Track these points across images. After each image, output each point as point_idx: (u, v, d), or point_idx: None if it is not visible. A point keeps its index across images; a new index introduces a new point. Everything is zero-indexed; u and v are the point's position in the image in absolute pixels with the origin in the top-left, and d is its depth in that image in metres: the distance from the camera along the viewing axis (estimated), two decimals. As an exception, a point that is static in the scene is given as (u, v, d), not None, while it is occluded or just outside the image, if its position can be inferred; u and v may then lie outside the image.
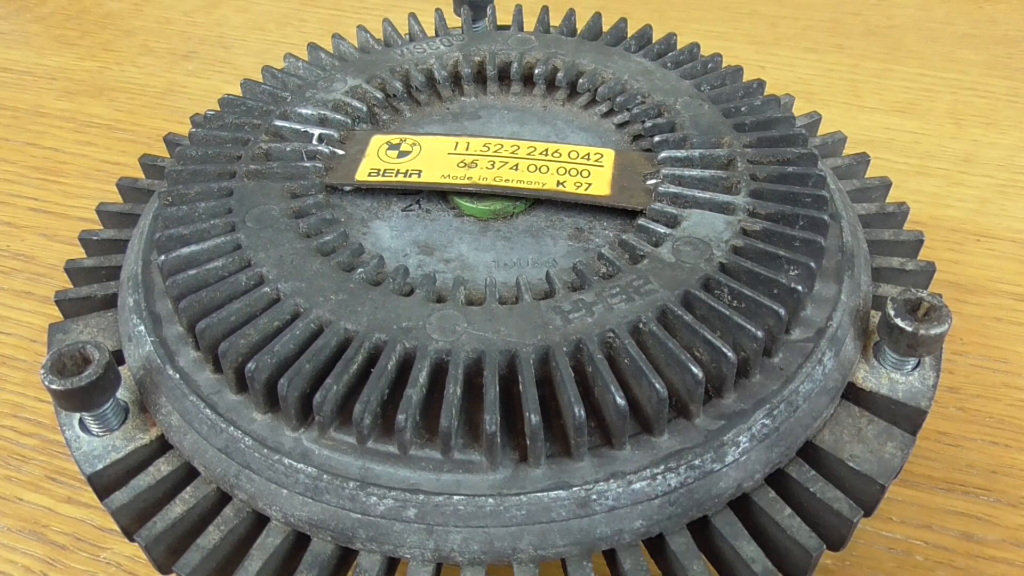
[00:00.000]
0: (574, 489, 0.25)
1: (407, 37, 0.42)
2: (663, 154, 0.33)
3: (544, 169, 0.33)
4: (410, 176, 0.33)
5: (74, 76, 0.60)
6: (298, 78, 0.38)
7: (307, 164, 0.33)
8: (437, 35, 0.42)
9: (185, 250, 0.29)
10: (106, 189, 0.49)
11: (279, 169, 0.33)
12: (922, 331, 0.27)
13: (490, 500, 0.25)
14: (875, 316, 0.30)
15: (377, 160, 0.34)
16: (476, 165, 0.33)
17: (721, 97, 0.36)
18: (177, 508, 0.27)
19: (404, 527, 0.25)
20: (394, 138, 0.35)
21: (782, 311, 0.27)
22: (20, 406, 0.38)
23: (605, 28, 0.42)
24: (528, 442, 0.25)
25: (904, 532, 0.33)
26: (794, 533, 0.26)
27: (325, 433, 0.26)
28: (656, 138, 0.34)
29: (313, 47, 0.40)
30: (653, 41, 0.41)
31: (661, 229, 0.30)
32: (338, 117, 0.36)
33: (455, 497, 0.25)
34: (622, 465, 0.26)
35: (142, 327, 0.30)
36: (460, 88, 0.39)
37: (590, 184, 0.33)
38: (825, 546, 0.26)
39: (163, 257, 0.29)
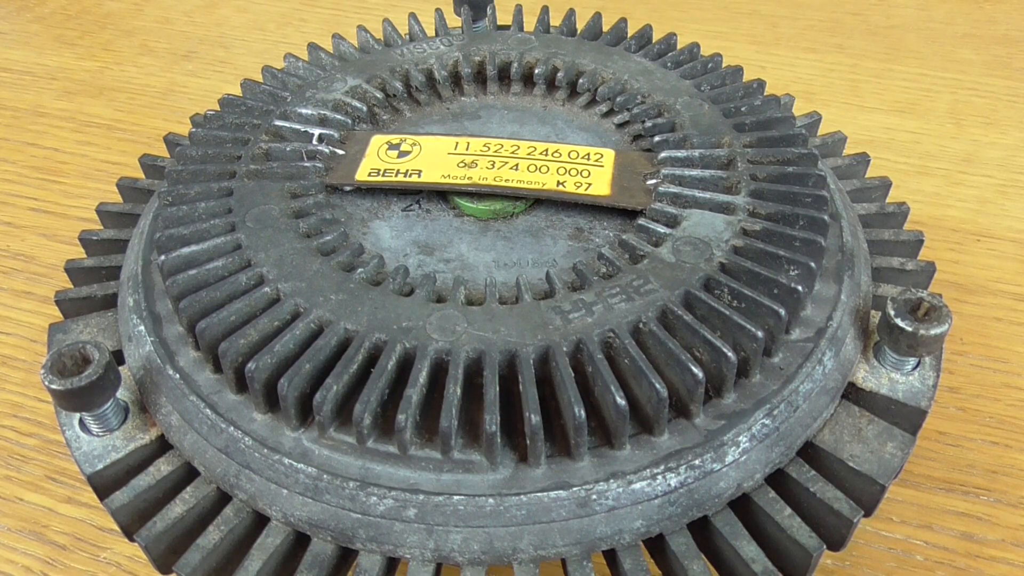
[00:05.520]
0: (574, 489, 0.25)
1: (407, 37, 0.42)
2: (663, 154, 0.33)
3: (544, 169, 0.33)
4: (410, 176, 0.33)
5: (74, 76, 0.60)
6: (298, 78, 0.38)
7: (307, 164, 0.33)
8: (437, 35, 0.42)
9: (185, 250, 0.29)
10: (106, 189, 0.49)
11: (279, 169, 0.33)
12: (922, 331, 0.27)
13: (490, 500, 0.25)
14: (875, 316, 0.30)
15: (377, 160, 0.34)
16: (476, 165, 0.33)
17: (721, 97, 0.36)
18: (177, 508, 0.27)
19: (404, 527, 0.25)
20: (394, 138, 0.35)
21: (782, 311, 0.27)
22: (20, 406, 0.38)
23: (605, 28, 0.42)
24: (528, 442, 0.25)
25: (904, 532, 0.33)
26: (794, 533, 0.26)
27: (325, 433, 0.26)
28: (656, 138, 0.34)
29: (313, 47, 0.40)
30: (653, 41, 0.41)
31: (661, 229, 0.30)
32: (338, 117, 0.36)
33: (455, 497, 0.25)
34: (622, 465, 0.26)
35: (142, 327, 0.30)
36: (460, 88, 0.39)
37: (590, 184, 0.33)
38: (825, 546, 0.26)
39: (163, 257, 0.29)
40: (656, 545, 0.27)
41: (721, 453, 0.26)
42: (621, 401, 0.25)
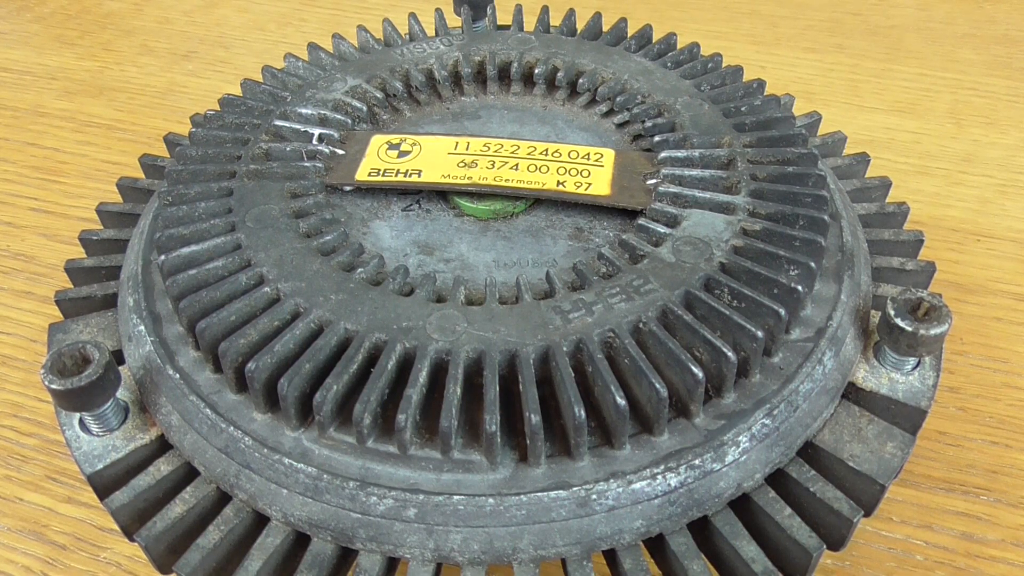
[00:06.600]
0: (574, 489, 0.25)
1: (407, 37, 0.42)
2: (663, 154, 0.33)
3: (544, 169, 0.33)
4: (410, 176, 0.33)
5: (74, 76, 0.60)
6: (298, 78, 0.38)
7: (307, 164, 0.33)
8: (437, 35, 0.42)
9: (185, 250, 0.29)
10: (106, 189, 0.49)
11: (279, 169, 0.33)
12: (922, 331, 0.27)
13: (490, 500, 0.25)
14: (875, 316, 0.30)
15: (377, 160, 0.34)
16: (476, 165, 0.33)
17: (721, 97, 0.36)
18: (177, 508, 0.27)
19: (404, 527, 0.25)
20: (394, 138, 0.35)
21: (782, 311, 0.27)
22: (20, 406, 0.38)
23: (605, 28, 0.42)
24: (528, 442, 0.25)
25: (904, 532, 0.33)
26: (794, 533, 0.26)
27: (325, 433, 0.26)
28: (656, 138, 0.34)
29: (313, 47, 0.40)
30: (653, 41, 0.41)
31: (661, 229, 0.30)
32: (338, 117, 0.36)
33: (455, 497, 0.25)
34: (622, 465, 0.26)
35: (142, 327, 0.30)
36: (460, 88, 0.39)
37: (590, 184, 0.33)
38: (825, 546, 0.26)
39: (163, 257, 0.29)
40: (656, 545, 0.27)
41: (721, 453, 0.26)
42: (621, 401, 0.25)
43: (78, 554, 0.33)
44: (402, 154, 0.34)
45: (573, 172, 0.33)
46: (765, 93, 0.37)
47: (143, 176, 0.40)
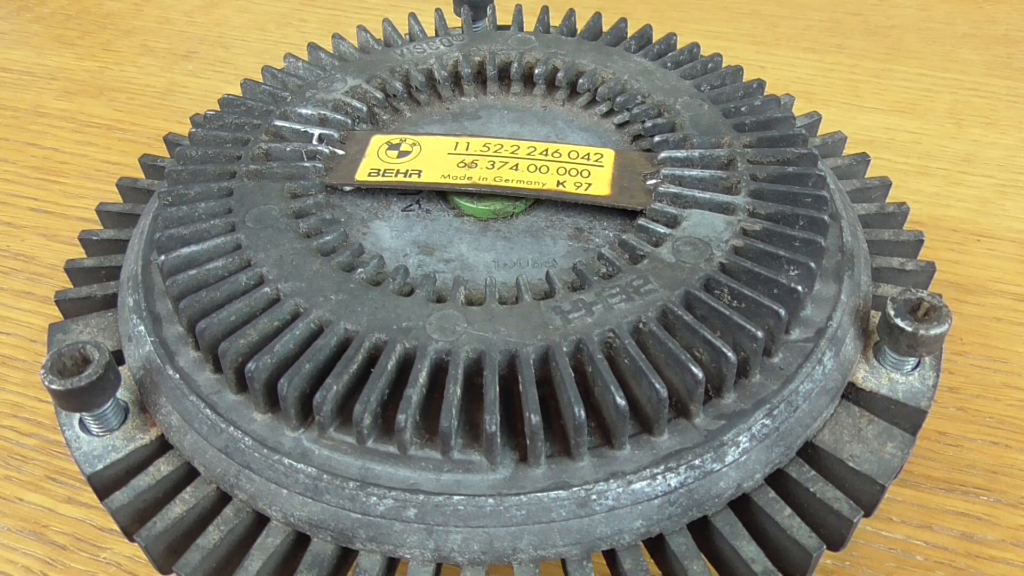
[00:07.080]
0: (574, 489, 0.25)
1: (407, 37, 0.42)
2: (663, 154, 0.33)
3: (544, 169, 0.33)
4: (410, 176, 0.33)
5: (74, 76, 0.60)
6: (298, 78, 0.38)
7: (307, 164, 0.33)
8: (437, 35, 0.42)
9: (185, 250, 0.29)
10: (106, 189, 0.49)
11: (279, 169, 0.33)
12: (922, 331, 0.27)
13: (490, 500, 0.25)
14: (875, 316, 0.30)
15: (377, 160, 0.34)
16: (476, 165, 0.33)
17: (721, 97, 0.36)
18: (177, 508, 0.27)
19: (404, 527, 0.25)
20: (394, 138, 0.35)
21: (782, 311, 0.27)
22: (20, 406, 0.38)
23: (605, 28, 0.42)
24: (528, 442, 0.25)
25: (904, 532, 0.33)
26: (794, 533, 0.26)
27: (325, 433, 0.26)
28: (656, 138, 0.34)
29: (313, 47, 0.40)
30: (653, 41, 0.41)
31: (661, 229, 0.30)
32: (338, 117, 0.36)
33: (455, 497, 0.25)
34: (622, 465, 0.26)
35: (142, 327, 0.30)
36: (460, 88, 0.39)
37: (590, 184, 0.33)
38: (825, 546, 0.26)
39: (163, 257, 0.29)
40: (656, 545, 0.27)
41: (721, 453, 0.26)
42: (621, 401, 0.25)
43: (78, 554, 0.33)
44: (402, 154, 0.34)
45: (573, 172, 0.33)
46: (765, 93, 0.37)
47: (143, 176, 0.40)
